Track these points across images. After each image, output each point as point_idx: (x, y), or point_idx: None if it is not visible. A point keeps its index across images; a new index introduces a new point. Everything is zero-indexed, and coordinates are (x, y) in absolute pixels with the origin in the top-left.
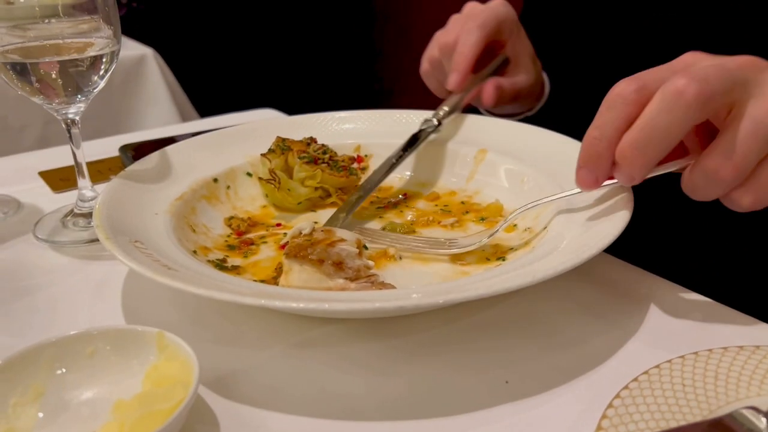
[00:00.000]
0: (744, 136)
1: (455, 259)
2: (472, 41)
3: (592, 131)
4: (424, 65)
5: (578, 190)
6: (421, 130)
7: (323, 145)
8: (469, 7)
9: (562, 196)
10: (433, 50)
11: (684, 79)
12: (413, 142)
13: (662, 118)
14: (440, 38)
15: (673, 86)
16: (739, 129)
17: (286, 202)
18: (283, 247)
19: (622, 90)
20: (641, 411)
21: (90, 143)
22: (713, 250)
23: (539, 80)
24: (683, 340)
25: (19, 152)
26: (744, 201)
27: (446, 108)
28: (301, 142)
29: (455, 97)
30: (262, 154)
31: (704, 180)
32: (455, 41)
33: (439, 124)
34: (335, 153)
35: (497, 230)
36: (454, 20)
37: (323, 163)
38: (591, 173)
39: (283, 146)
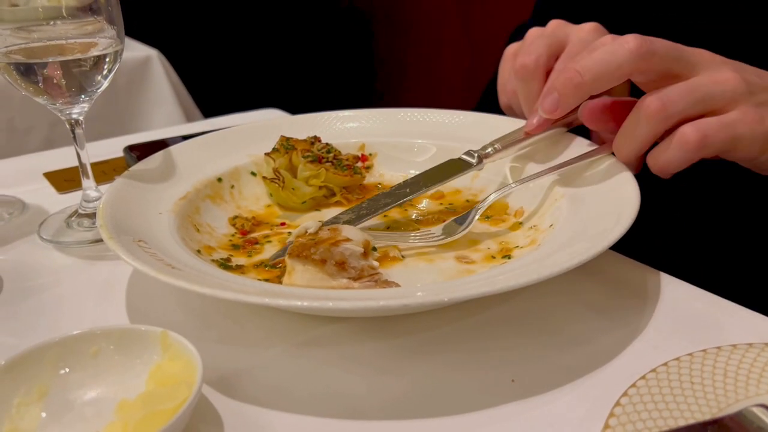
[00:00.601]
0: (680, 87)
1: (460, 257)
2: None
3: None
4: (502, 99)
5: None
6: (459, 160)
7: (327, 144)
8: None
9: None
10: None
11: (631, 36)
12: (445, 173)
13: (604, 55)
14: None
15: (622, 39)
16: (678, 84)
17: (291, 202)
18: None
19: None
20: (649, 409)
21: (95, 144)
22: (721, 247)
23: None
24: (691, 337)
25: (25, 154)
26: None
27: (497, 146)
28: (305, 141)
29: (517, 136)
30: (266, 154)
31: (635, 116)
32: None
33: (481, 161)
34: (339, 152)
35: (474, 217)
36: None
37: (327, 162)
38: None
39: (287, 145)
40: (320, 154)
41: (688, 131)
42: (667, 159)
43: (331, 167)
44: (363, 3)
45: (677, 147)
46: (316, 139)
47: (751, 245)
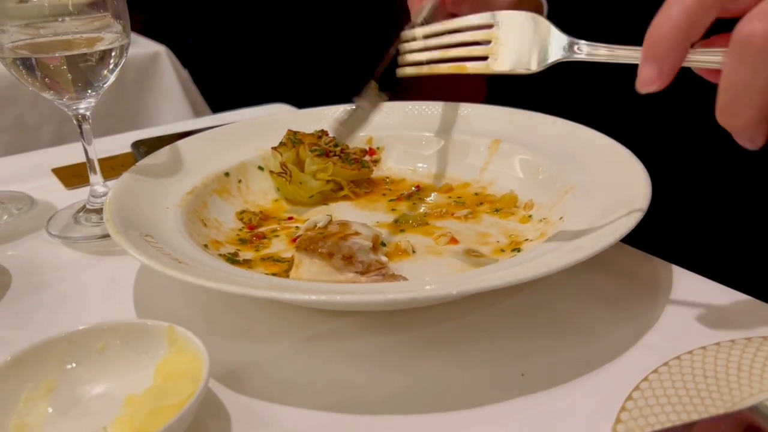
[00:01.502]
0: None
1: (469, 251)
2: None
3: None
4: None
5: None
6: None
7: (334, 137)
8: None
9: None
10: None
11: None
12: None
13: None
14: None
15: None
16: None
17: (298, 196)
18: (294, 240)
19: None
20: (662, 403)
21: (103, 140)
22: (734, 238)
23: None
24: (704, 330)
25: (35, 150)
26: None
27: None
28: (312, 135)
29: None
30: (273, 148)
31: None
32: None
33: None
34: (347, 146)
35: None
36: None
37: (335, 155)
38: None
39: (294, 139)
40: (327, 147)
41: None
42: None
43: (339, 161)
44: None
45: None
46: (324, 132)
47: (765, 236)
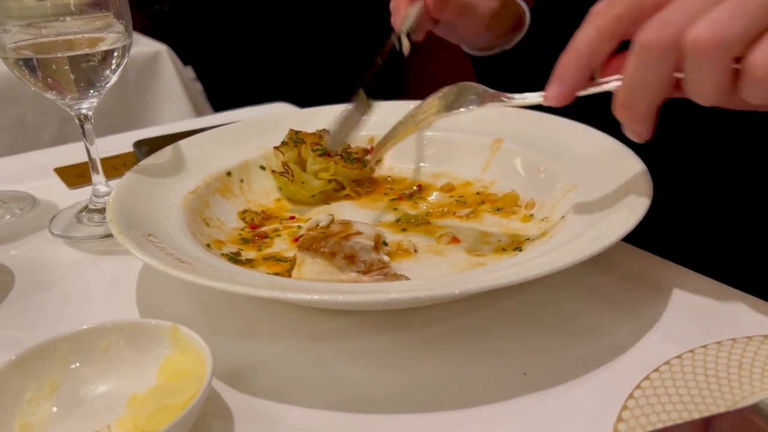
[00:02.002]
0: (725, 5)
1: (471, 250)
2: None
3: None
4: None
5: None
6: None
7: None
8: None
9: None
10: None
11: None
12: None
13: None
14: None
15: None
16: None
17: (300, 195)
18: (297, 240)
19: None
20: (663, 402)
21: (104, 139)
22: (735, 237)
23: (509, 7)
24: (706, 329)
25: (37, 150)
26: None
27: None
28: (314, 134)
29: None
30: (275, 147)
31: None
32: None
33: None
34: (349, 145)
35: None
36: None
37: (336, 155)
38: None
39: (296, 139)
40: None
41: (761, 61)
42: (758, 98)
43: (341, 160)
44: None
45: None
46: (325, 132)
47: (766, 235)
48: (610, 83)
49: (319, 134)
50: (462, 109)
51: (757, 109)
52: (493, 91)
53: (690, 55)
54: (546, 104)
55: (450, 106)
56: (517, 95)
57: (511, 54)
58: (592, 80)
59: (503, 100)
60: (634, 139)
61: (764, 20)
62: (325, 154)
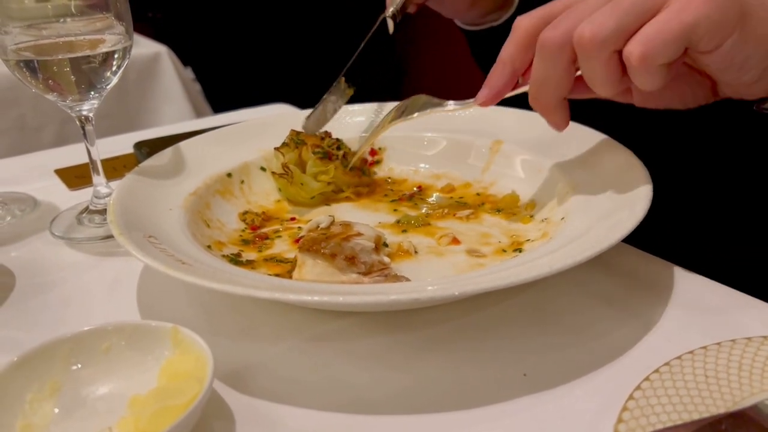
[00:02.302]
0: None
1: (471, 251)
2: None
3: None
4: None
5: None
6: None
7: (337, 139)
8: None
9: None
10: None
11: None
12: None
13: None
14: None
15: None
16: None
17: (299, 197)
18: (297, 241)
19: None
20: (663, 403)
21: (105, 140)
22: (735, 238)
23: None
24: (705, 330)
25: (37, 151)
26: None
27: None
28: (315, 136)
29: None
30: (275, 148)
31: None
32: None
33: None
34: (349, 149)
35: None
36: None
37: (337, 159)
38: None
39: (297, 140)
40: (330, 150)
41: (633, 50)
42: (644, 84)
43: (340, 167)
44: None
45: (639, 73)
46: (327, 134)
47: (765, 236)
48: (525, 87)
49: (320, 136)
50: (414, 115)
51: (657, 106)
52: (436, 100)
53: (578, 51)
54: (476, 105)
55: (402, 114)
56: (452, 102)
57: (501, 30)
58: (517, 84)
59: (443, 106)
60: (553, 128)
61: (635, 17)
62: (326, 157)
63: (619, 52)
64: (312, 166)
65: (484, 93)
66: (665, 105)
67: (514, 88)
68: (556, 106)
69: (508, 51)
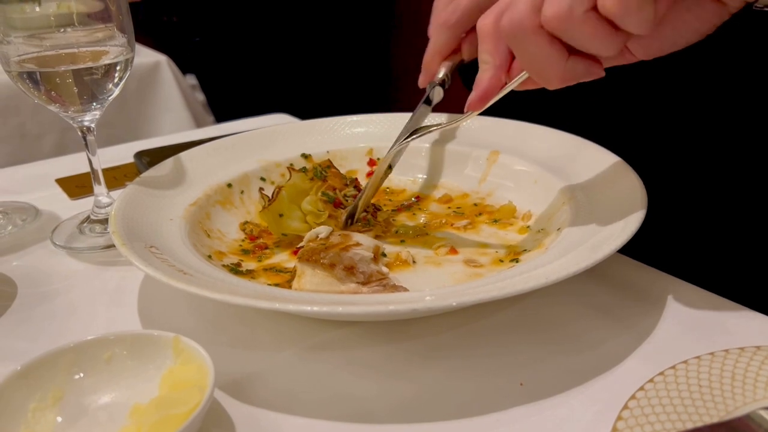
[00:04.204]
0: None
1: (468, 261)
2: (440, 43)
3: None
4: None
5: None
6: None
7: (360, 190)
8: None
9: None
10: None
11: None
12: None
13: None
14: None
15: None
16: None
17: (271, 225)
18: (296, 251)
19: None
20: (657, 412)
21: (105, 150)
22: (728, 249)
23: None
24: (699, 340)
25: (38, 160)
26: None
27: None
28: (343, 178)
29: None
30: (289, 168)
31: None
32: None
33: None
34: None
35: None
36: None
37: (342, 209)
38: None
39: (321, 172)
40: (339, 198)
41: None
42: (637, 25)
43: (335, 219)
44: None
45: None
46: (356, 183)
47: (759, 247)
48: (514, 81)
49: (345, 182)
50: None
51: (667, 50)
52: (431, 123)
53: (553, 30)
54: (469, 110)
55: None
56: (446, 116)
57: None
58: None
59: (439, 126)
60: (595, 77)
61: None
62: (331, 202)
63: (595, 10)
64: (309, 203)
65: (471, 96)
66: (674, 45)
67: (501, 87)
68: (566, 69)
69: (484, 51)
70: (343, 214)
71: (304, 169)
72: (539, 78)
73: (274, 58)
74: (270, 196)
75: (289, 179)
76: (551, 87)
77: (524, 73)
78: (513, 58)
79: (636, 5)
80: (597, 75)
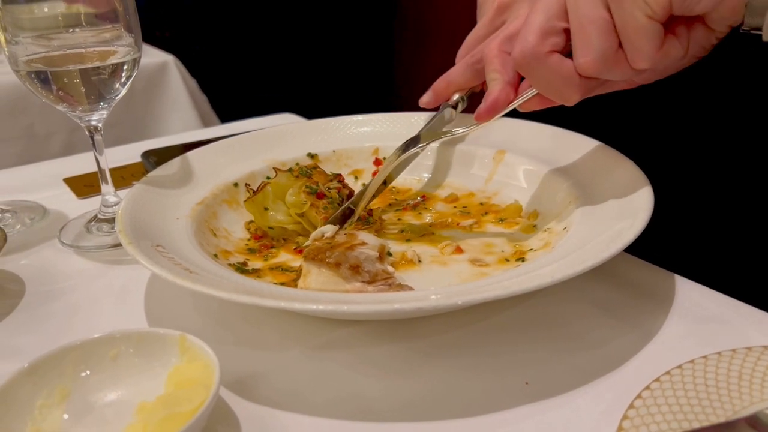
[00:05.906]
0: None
1: (474, 260)
2: (458, 76)
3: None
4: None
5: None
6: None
7: (345, 188)
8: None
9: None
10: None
11: None
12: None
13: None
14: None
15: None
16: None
17: (258, 219)
18: (300, 251)
19: None
20: (663, 412)
21: (113, 150)
22: (735, 248)
23: None
24: (706, 339)
25: (46, 159)
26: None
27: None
28: (327, 175)
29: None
30: (275, 168)
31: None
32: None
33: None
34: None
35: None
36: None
37: (327, 200)
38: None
39: (305, 171)
40: (323, 191)
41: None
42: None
43: (321, 211)
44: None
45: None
46: (339, 179)
47: (766, 246)
48: (524, 95)
49: (330, 177)
50: (416, 150)
51: (671, 71)
52: (440, 131)
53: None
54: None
55: (405, 149)
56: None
57: None
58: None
59: (447, 135)
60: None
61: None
62: (313, 193)
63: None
64: (292, 194)
65: (480, 107)
66: (676, 64)
67: (510, 102)
68: (579, 85)
69: (492, 71)
70: (337, 211)
71: (290, 170)
72: (559, 98)
73: (278, 59)
74: (255, 190)
75: (275, 177)
76: (570, 104)
77: (532, 89)
78: (521, 78)
79: (643, 27)
80: (613, 86)
